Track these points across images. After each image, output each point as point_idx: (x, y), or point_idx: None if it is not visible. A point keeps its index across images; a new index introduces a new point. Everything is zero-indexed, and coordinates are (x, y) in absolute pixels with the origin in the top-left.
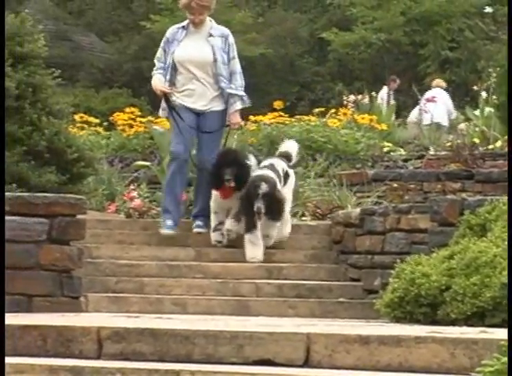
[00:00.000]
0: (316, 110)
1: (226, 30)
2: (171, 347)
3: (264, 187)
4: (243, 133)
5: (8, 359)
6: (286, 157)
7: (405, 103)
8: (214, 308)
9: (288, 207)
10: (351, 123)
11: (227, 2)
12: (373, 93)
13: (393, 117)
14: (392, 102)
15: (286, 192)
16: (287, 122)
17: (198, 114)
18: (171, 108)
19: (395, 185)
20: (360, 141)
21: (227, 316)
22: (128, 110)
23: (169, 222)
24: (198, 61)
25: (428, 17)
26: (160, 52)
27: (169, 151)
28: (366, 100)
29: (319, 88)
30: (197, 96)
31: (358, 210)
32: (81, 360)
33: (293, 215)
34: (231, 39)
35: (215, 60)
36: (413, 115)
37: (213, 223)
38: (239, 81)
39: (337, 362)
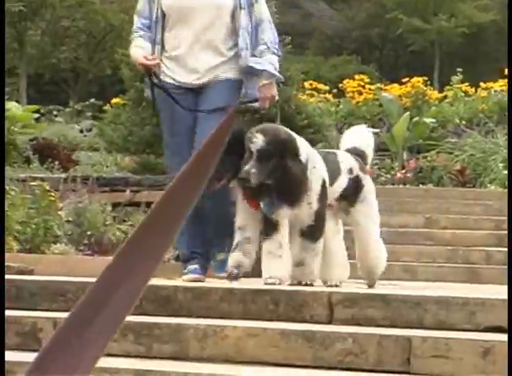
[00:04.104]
0: None
1: None
2: (401, 313)
3: (259, 141)
4: (474, 100)
5: (240, 323)
6: (358, 155)
7: None
8: (444, 275)
9: (377, 231)
10: None
11: None
12: None
13: None
14: None
15: (363, 209)
16: None
17: (196, 91)
18: (155, 87)
19: None
20: None
21: (457, 283)
22: (357, 77)
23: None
24: (199, 7)
25: None
26: (141, 3)
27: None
28: None
29: None
30: (196, 64)
31: None
32: (312, 325)
33: None
34: None
35: (232, 5)
36: None
37: (235, 240)
38: (270, 35)
39: None
